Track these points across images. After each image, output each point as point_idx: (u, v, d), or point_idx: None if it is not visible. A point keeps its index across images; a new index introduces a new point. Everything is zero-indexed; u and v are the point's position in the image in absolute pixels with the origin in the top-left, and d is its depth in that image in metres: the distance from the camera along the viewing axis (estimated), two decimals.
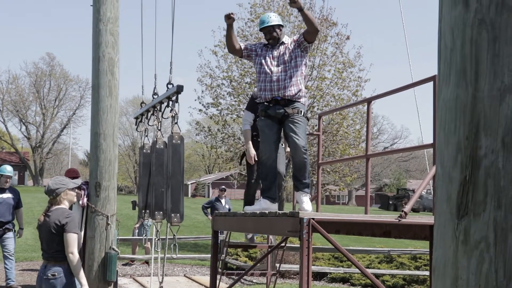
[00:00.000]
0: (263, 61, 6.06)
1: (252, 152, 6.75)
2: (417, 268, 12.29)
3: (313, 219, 4.57)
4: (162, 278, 7.04)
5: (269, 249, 8.46)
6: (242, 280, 11.69)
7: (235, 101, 18.57)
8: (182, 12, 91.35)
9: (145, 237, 10.94)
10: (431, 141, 5.27)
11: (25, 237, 16.29)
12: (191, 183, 66.56)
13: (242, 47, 6.24)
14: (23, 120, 59.64)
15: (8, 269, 9.50)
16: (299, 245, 4.66)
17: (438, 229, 1.48)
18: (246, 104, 8.51)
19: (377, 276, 11.53)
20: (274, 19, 6.16)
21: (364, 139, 16.62)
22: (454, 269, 1.40)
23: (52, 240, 5.02)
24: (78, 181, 5.47)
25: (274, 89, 5.90)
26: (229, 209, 14.44)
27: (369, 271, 10.58)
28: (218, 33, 39.26)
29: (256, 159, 6.68)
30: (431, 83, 5.20)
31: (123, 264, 13.79)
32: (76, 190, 6.62)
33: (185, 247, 17.10)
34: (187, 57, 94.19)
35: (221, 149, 20.68)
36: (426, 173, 6.35)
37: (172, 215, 6.08)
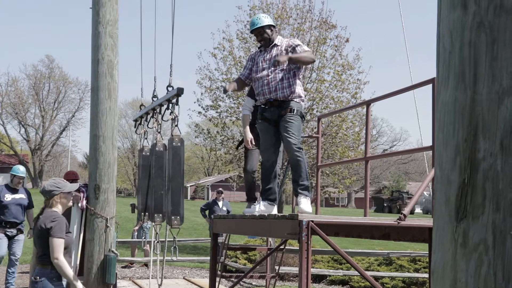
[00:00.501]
0: (256, 66, 6.12)
1: (249, 136, 6.57)
2: (416, 270, 12.28)
3: (312, 221, 4.57)
4: (161, 280, 7.03)
5: (269, 252, 8.47)
6: (242, 283, 11.68)
7: (234, 103, 18.57)
8: (181, 14, 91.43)
9: (144, 240, 10.93)
10: (431, 144, 5.27)
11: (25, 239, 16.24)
12: (191, 186, 66.58)
13: (243, 78, 6.29)
14: (22, 123, 59.59)
15: (10, 273, 9.46)
16: (298, 248, 4.66)
17: (437, 231, 1.48)
18: None
19: (377, 278, 11.53)
20: (264, 20, 6.11)
21: (363, 142, 16.61)
22: (453, 272, 1.40)
23: (39, 243, 4.99)
24: (75, 185, 5.38)
25: (266, 92, 5.94)
26: (228, 211, 14.45)
27: (369, 273, 10.58)
28: (217, 35, 39.36)
29: (254, 143, 6.60)
30: (430, 85, 5.21)
31: (122, 267, 13.78)
32: (75, 192, 6.62)
33: (184, 250, 17.09)
34: (186, 60, 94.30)
35: (221, 152, 20.67)
36: (425, 175, 6.34)
37: (172, 217, 6.08)
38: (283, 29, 17.91)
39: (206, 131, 20.25)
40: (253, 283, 12.02)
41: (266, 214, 5.67)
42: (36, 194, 11.32)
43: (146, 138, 7.45)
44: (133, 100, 66.19)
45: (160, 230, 6.85)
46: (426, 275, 10.97)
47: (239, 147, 7.57)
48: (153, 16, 7.79)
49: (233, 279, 11.28)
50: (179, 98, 6.18)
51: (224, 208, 14.45)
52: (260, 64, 6.06)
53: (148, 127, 7.34)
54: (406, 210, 4.87)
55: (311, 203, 7.43)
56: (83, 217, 7.06)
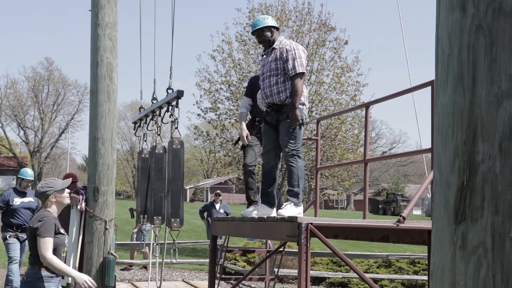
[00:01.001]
0: (261, 69, 6.17)
1: (244, 131, 6.59)
2: (415, 272, 12.28)
3: (311, 224, 4.57)
4: (160, 283, 7.03)
5: (268, 254, 8.46)
6: (241, 285, 11.66)
7: (233, 105, 18.57)
8: (180, 16, 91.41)
9: (143, 242, 10.93)
10: (430, 146, 5.27)
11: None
12: (190, 188, 66.59)
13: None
14: (21, 125, 59.57)
15: (13, 276, 9.40)
16: (297, 250, 4.66)
17: (436, 234, 1.48)
18: None
19: (376, 280, 11.52)
20: (262, 21, 6.11)
21: (363, 144, 16.62)
22: (451, 275, 1.40)
23: (30, 244, 5.01)
24: (67, 182, 5.31)
25: (266, 96, 5.98)
26: (227, 213, 14.45)
27: (368, 275, 10.57)
28: (216, 38, 39.31)
29: (250, 138, 6.61)
30: (430, 87, 5.21)
31: (121, 269, 13.77)
32: (74, 194, 6.61)
33: (184, 252, 17.08)
34: (185, 62, 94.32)
35: (220, 154, 20.67)
36: (424, 177, 6.34)
37: (172, 220, 6.07)
38: (282, 31, 17.91)
39: (205, 133, 20.27)
40: (252, 286, 12.02)
41: (265, 216, 5.67)
42: None
43: (145, 141, 7.44)
44: (132, 102, 66.25)
45: (159, 232, 6.85)
46: (425, 278, 10.96)
47: (237, 144, 7.59)
48: (152, 19, 7.80)
49: (232, 281, 11.28)
50: (179, 100, 6.18)
51: (222, 211, 14.46)
52: (262, 68, 6.11)
53: (147, 129, 7.34)
54: (405, 213, 4.87)
55: (310, 205, 7.42)
56: (82, 219, 7.05)
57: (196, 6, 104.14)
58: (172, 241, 6.64)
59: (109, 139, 7.00)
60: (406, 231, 5.14)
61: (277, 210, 6.02)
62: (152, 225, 6.69)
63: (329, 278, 12.28)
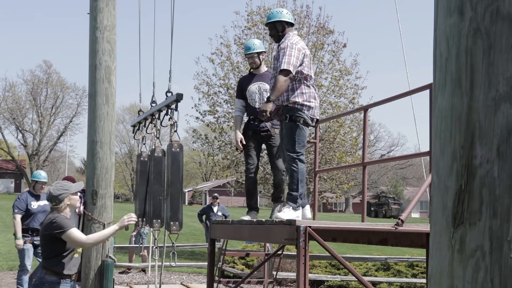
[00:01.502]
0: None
1: (238, 136, 6.62)
2: (414, 275, 12.27)
3: (310, 227, 4.57)
4: (159, 286, 7.02)
5: (266, 257, 8.46)
6: None
7: (232, 108, 18.58)
8: (179, 19, 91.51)
9: (142, 245, 10.91)
10: (428, 149, 5.27)
11: None
12: (188, 191, 66.51)
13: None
14: (20, 128, 59.50)
15: (23, 282, 9.29)
16: (296, 253, 4.66)
17: (434, 238, 1.48)
18: None
19: (374, 284, 11.51)
20: (276, 15, 6.26)
21: (361, 147, 16.61)
22: (449, 278, 1.40)
23: (42, 248, 5.06)
24: (80, 185, 5.32)
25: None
26: (225, 216, 14.44)
27: (366, 279, 10.56)
28: (215, 40, 39.43)
29: (244, 142, 6.62)
30: (428, 90, 5.21)
31: (119, 272, 13.74)
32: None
33: (182, 255, 17.06)
34: (184, 65, 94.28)
35: (218, 157, 20.68)
36: (423, 180, 6.35)
37: (171, 223, 6.07)
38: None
39: (204, 137, 20.26)
40: None
41: (263, 219, 5.67)
42: None
43: (144, 144, 7.44)
44: (131, 105, 66.19)
45: (158, 235, 6.84)
46: (424, 281, 10.95)
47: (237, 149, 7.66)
48: (151, 22, 7.80)
49: (230, 285, 11.27)
50: (178, 103, 6.19)
51: (220, 213, 14.44)
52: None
53: (146, 132, 7.33)
54: (403, 216, 4.87)
55: (310, 207, 7.41)
56: (80, 222, 7.05)
57: (194, 9, 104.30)
58: (171, 244, 6.63)
59: (108, 142, 7.00)
60: (404, 234, 5.14)
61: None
62: (151, 228, 6.68)
63: (327, 281, 12.26)
